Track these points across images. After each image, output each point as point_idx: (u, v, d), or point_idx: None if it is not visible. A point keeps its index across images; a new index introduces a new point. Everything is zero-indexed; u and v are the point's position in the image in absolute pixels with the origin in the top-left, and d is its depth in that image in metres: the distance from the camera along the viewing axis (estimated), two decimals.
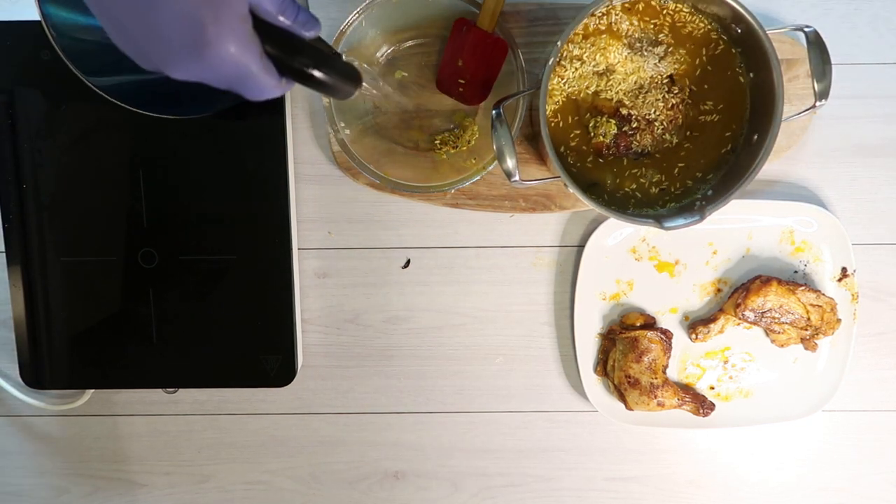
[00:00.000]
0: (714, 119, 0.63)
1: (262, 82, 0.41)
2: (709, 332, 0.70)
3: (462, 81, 0.64)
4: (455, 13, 0.63)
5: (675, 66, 0.63)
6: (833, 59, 0.58)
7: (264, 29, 0.41)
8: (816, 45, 0.58)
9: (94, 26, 0.51)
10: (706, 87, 0.63)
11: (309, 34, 0.43)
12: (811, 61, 0.58)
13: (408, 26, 0.65)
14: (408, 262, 0.72)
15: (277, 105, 0.66)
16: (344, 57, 0.63)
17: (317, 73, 0.43)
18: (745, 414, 0.73)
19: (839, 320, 0.70)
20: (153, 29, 0.37)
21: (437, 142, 0.67)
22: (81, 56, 0.52)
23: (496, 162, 0.61)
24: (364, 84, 0.50)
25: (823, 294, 0.69)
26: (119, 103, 0.54)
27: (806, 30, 0.58)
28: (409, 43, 0.66)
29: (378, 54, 0.66)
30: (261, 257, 0.68)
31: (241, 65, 0.39)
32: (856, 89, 0.70)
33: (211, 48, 0.38)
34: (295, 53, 0.42)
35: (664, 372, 0.71)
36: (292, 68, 0.42)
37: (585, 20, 0.60)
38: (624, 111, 0.63)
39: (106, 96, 0.54)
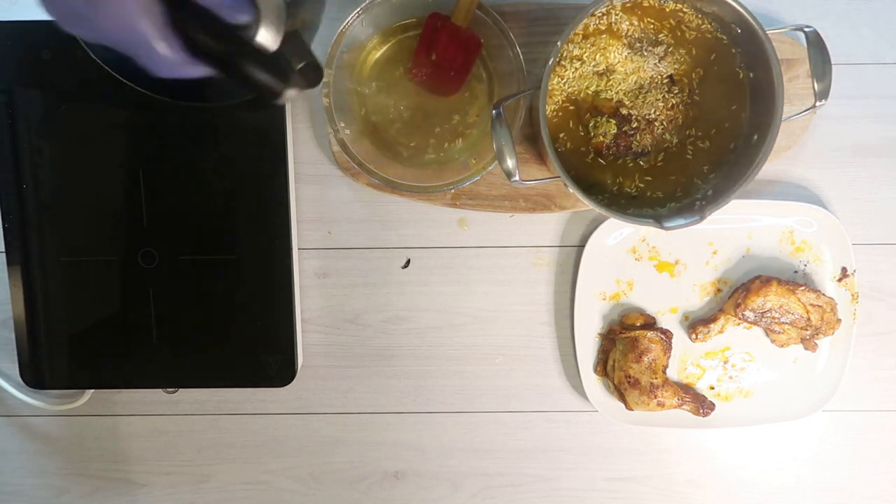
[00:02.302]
0: (714, 120, 0.63)
1: (160, 55, 0.39)
2: (709, 332, 0.70)
3: (435, 75, 0.64)
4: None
5: (675, 66, 0.63)
6: (833, 59, 0.58)
7: (181, 4, 0.39)
8: (816, 45, 0.58)
9: None
10: (706, 86, 0.63)
11: (236, 19, 0.41)
12: (811, 61, 0.58)
13: (408, 26, 0.66)
14: (408, 262, 0.72)
15: (277, 105, 0.65)
16: (344, 57, 0.63)
17: (236, 61, 0.41)
18: (745, 414, 0.73)
19: (839, 320, 0.70)
20: None
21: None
22: None
23: (496, 162, 0.61)
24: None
25: (823, 294, 0.69)
26: (119, 77, 0.53)
27: (806, 30, 0.58)
28: (410, 43, 0.66)
29: (378, 54, 0.66)
30: (261, 257, 0.68)
31: (133, 29, 0.38)
32: (856, 89, 0.70)
33: (96, 5, 0.37)
34: (212, 36, 0.40)
35: (664, 372, 0.71)
36: (204, 48, 0.40)
37: (585, 20, 0.60)
38: (624, 111, 0.63)
39: (109, 70, 0.53)
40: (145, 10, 0.38)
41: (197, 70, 0.41)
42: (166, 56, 0.39)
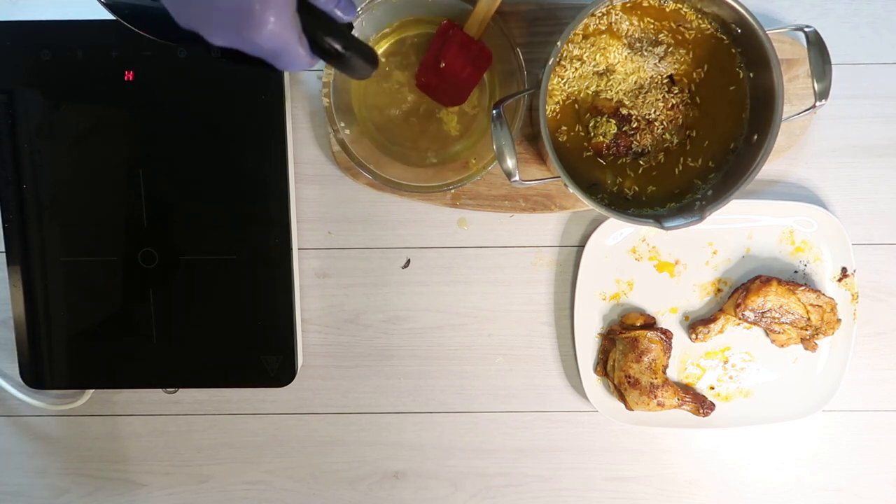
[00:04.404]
0: (714, 120, 0.63)
1: (296, 57, 0.44)
2: (709, 332, 0.70)
3: (442, 83, 0.64)
4: (455, 13, 0.63)
5: (675, 66, 0.63)
6: (833, 59, 0.58)
7: (305, 8, 0.43)
8: (816, 45, 0.58)
9: None
10: (706, 86, 0.63)
11: (346, 18, 0.47)
12: (811, 61, 0.58)
13: (408, 26, 0.66)
14: (408, 262, 0.72)
15: (277, 105, 0.66)
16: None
17: (346, 54, 0.46)
18: (745, 414, 0.73)
19: (839, 320, 0.70)
20: (206, 1, 0.39)
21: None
22: None
23: (496, 162, 0.61)
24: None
25: (823, 294, 0.69)
26: (133, 28, 0.52)
27: (806, 30, 0.58)
28: (409, 42, 0.66)
29: (378, 53, 0.66)
30: (261, 257, 0.68)
31: (280, 42, 0.42)
32: (856, 89, 0.70)
33: (257, 28, 0.40)
34: (329, 34, 0.45)
35: (664, 372, 0.71)
36: (324, 47, 0.45)
37: (585, 20, 0.60)
38: (624, 111, 0.63)
39: (125, 23, 0.52)
40: (292, 24, 0.42)
41: (312, 63, 0.46)
42: (300, 58, 0.44)
